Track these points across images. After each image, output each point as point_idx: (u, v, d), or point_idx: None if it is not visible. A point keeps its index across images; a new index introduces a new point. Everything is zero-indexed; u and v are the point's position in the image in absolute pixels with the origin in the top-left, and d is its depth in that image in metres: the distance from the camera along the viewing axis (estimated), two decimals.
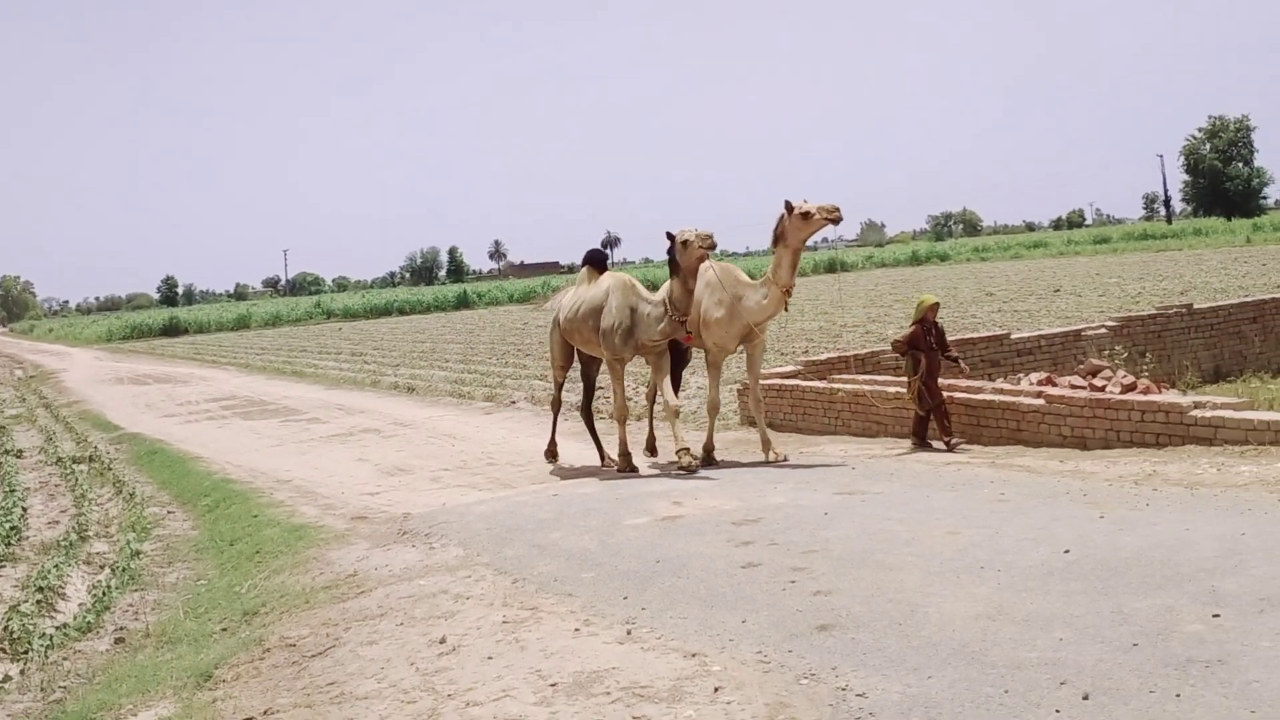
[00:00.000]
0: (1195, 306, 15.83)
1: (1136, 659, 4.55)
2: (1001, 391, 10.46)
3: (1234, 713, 3.98)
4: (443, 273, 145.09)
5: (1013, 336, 14.57)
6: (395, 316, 67.26)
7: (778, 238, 10.34)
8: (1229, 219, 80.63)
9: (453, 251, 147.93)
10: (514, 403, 17.35)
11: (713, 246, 10.12)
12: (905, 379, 10.71)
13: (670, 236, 10.31)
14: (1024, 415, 9.95)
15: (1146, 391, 9.55)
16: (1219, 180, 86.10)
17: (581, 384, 12.12)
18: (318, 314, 70.55)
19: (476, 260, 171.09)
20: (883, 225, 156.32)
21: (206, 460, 14.22)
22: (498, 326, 42.55)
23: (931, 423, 10.40)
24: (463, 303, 71.33)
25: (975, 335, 14.81)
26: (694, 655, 5.21)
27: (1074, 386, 9.87)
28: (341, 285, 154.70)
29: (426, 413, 17.38)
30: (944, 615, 5.36)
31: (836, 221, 10.21)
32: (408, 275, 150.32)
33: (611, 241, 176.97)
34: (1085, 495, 7.58)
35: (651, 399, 11.85)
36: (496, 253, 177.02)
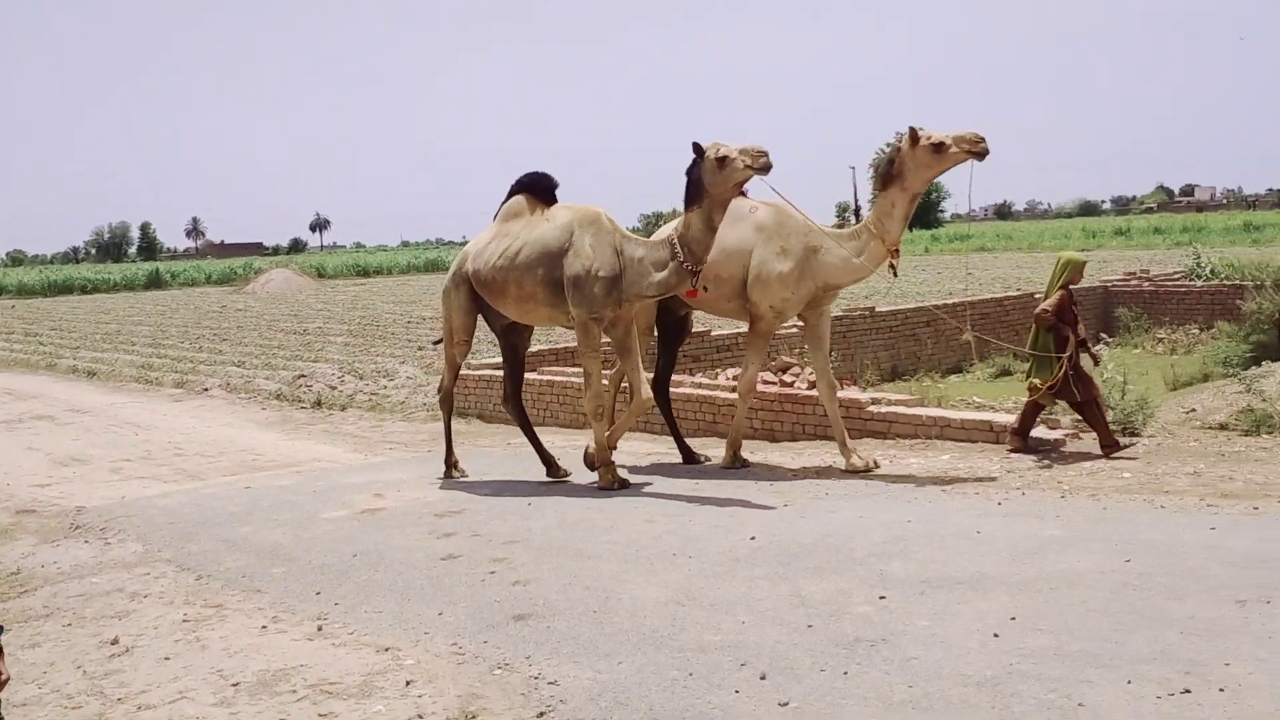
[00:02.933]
0: (877, 310, 16.97)
1: (811, 639, 4.83)
2: (701, 386, 10.84)
3: (894, 688, 4.29)
4: (133, 250, 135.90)
5: (713, 334, 15.13)
6: (77, 295, 62.26)
7: (891, 178, 7.96)
8: (911, 230, 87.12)
9: (145, 227, 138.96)
10: (207, 390, 16.47)
11: (766, 168, 7.50)
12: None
13: (698, 149, 7.63)
14: (720, 408, 10.36)
15: None
16: None
17: (503, 367, 9.60)
18: None
19: (172, 238, 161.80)
20: None
21: None
22: (193, 309, 40.21)
23: (1070, 422, 8.47)
24: (154, 282, 67.04)
25: None
26: (387, 649, 5.12)
27: (765, 382, 10.35)
28: (16, 259, 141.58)
29: (109, 399, 16.22)
30: (636, 602, 5.50)
31: (981, 156, 7.71)
32: (93, 251, 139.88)
33: (321, 224, 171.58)
34: (772, 485, 7.98)
35: (617, 388, 9.43)
36: (194, 230, 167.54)
